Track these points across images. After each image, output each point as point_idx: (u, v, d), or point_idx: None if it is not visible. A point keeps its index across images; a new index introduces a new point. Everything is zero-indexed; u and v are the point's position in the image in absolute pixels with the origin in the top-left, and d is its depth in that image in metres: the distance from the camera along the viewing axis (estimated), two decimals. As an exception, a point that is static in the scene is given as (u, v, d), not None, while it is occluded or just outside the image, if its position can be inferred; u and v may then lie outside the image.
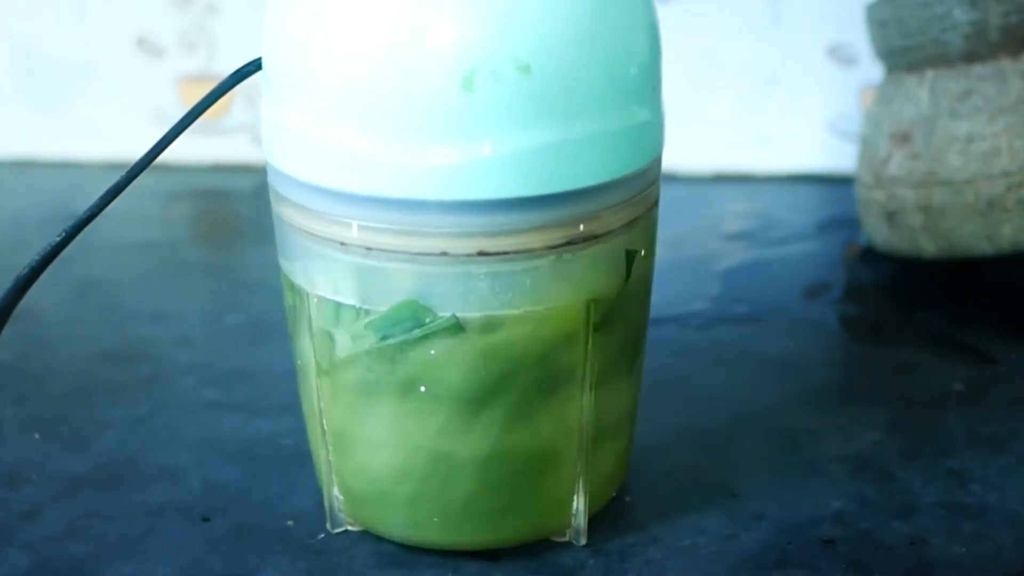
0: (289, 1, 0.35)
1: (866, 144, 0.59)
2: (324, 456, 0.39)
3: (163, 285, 0.60)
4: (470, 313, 0.35)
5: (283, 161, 0.36)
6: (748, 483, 0.43)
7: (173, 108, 0.74)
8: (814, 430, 0.46)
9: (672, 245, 0.61)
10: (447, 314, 0.35)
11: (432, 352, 0.35)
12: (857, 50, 0.69)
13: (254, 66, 0.37)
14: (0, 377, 0.50)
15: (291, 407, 0.46)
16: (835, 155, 0.71)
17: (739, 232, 0.65)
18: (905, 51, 0.56)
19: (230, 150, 0.74)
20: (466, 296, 0.35)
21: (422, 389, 0.36)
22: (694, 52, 0.70)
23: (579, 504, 0.39)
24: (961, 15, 0.54)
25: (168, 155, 0.37)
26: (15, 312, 0.38)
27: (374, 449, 0.38)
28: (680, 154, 0.68)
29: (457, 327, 0.35)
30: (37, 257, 0.37)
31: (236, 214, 0.71)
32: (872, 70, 0.68)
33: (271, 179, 0.37)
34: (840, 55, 0.70)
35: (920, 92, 0.55)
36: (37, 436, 0.46)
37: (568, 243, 0.35)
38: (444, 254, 0.34)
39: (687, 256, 0.62)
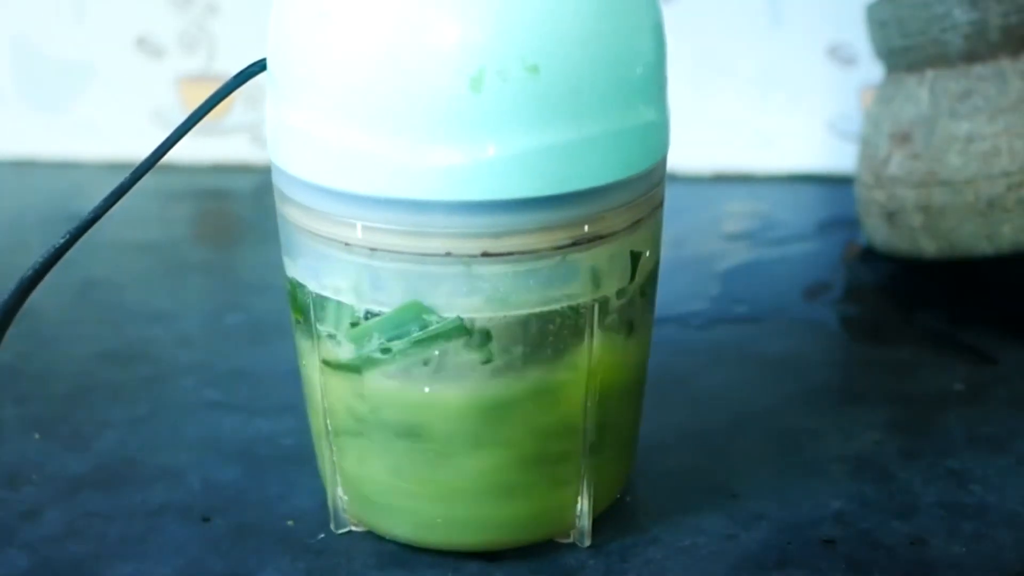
0: (295, 1, 0.35)
1: (866, 144, 0.59)
2: (328, 457, 0.39)
3: (163, 285, 0.60)
4: (474, 314, 0.35)
5: (289, 162, 0.36)
6: (748, 483, 0.43)
7: (173, 108, 0.74)
8: (814, 430, 0.46)
9: (672, 245, 0.61)
10: (452, 315, 0.35)
11: (436, 353, 0.35)
12: (857, 50, 0.69)
13: (259, 66, 0.37)
14: (0, 377, 0.50)
15: (291, 407, 0.46)
16: (835, 155, 0.71)
17: (739, 232, 0.65)
18: (905, 51, 0.56)
19: (230, 150, 0.74)
20: (470, 297, 0.35)
21: (426, 390, 0.36)
22: (694, 52, 0.70)
23: (583, 506, 0.39)
24: (961, 15, 0.54)
25: (168, 155, 0.37)
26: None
27: (377, 450, 0.38)
28: (680, 154, 0.68)
29: (461, 329, 0.35)
30: (41, 258, 0.37)
31: (236, 214, 0.71)
32: (872, 70, 0.68)
33: (276, 180, 0.37)
34: (840, 55, 0.70)
35: (920, 92, 0.55)
36: (37, 436, 0.46)
37: (573, 244, 0.35)
38: (448, 255, 0.34)
39: (687, 256, 0.62)
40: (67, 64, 0.74)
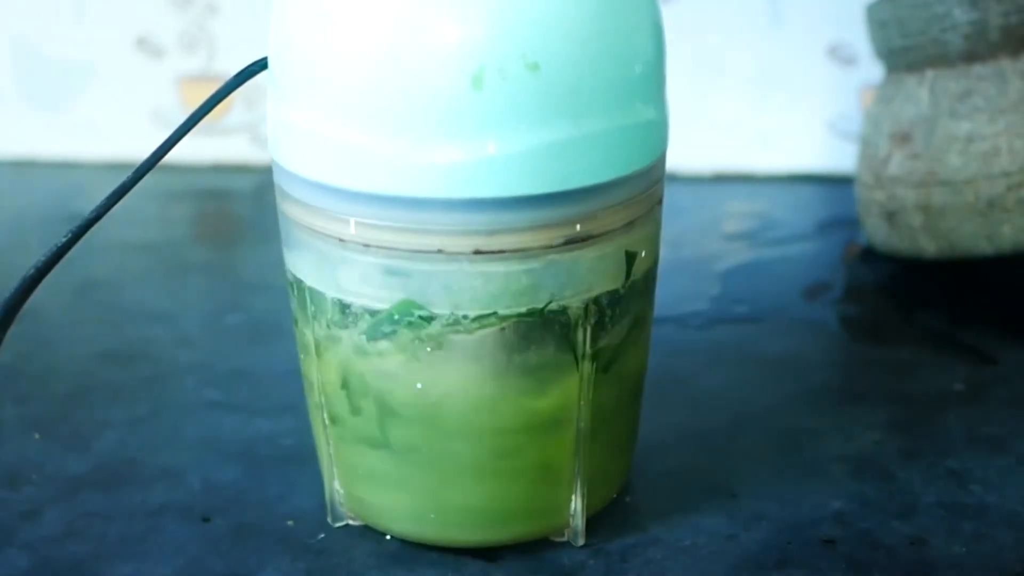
0: (295, 1, 0.35)
1: (866, 144, 0.59)
2: (326, 450, 0.39)
3: (163, 285, 0.60)
4: (467, 311, 0.35)
5: (290, 159, 0.36)
6: (748, 483, 0.43)
7: (173, 108, 0.74)
8: (814, 430, 0.46)
9: (672, 245, 0.61)
10: (444, 312, 0.35)
11: (428, 349, 0.36)
12: (857, 50, 0.69)
13: (259, 66, 0.37)
14: (0, 377, 0.50)
15: (291, 407, 0.46)
16: (835, 155, 0.71)
17: (739, 232, 0.65)
18: (905, 51, 0.56)
19: (230, 150, 0.74)
20: (462, 294, 0.35)
21: (419, 386, 0.36)
22: (694, 52, 0.70)
23: (577, 505, 0.39)
24: (961, 15, 0.54)
25: (168, 155, 0.37)
26: (15, 312, 0.38)
27: (371, 443, 0.38)
28: (680, 154, 0.68)
29: (454, 325, 0.35)
30: (43, 258, 0.37)
31: (236, 214, 0.71)
32: (872, 70, 0.67)
33: (276, 177, 0.38)
34: (840, 55, 0.70)
35: (920, 92, 0.55)
36: (37, 436, 0.46)
37: (566, 242, 0.35)
38: (440, 252, 0.35)
39: (687, 256, 0.62)
40: (67, 64, 0.74)
